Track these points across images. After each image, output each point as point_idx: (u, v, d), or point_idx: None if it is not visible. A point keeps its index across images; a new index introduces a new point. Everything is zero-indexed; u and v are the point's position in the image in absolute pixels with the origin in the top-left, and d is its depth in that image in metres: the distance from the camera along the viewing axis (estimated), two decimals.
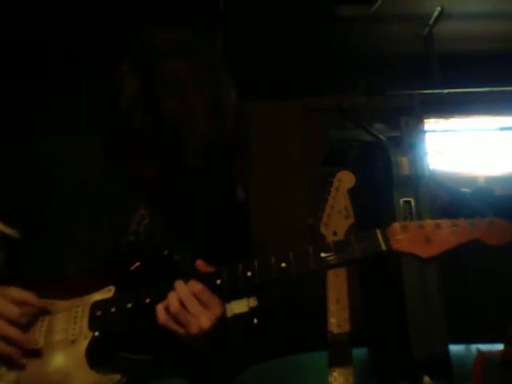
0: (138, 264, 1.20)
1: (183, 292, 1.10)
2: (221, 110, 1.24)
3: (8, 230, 1.27)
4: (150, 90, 1.21)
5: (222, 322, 1.13)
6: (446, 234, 1.08)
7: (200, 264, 1.17)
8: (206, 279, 1.14)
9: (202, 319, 1.09)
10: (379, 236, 1.10)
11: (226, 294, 1.14)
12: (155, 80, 1.21)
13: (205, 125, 1.21)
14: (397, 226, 1.10)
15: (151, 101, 1.20)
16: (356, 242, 1.11)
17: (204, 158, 1.24)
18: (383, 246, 1.09)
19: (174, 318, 1.10)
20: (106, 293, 1.19)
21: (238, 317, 1.20)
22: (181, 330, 1.10)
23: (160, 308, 1.11)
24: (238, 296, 1.20)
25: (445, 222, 1.09)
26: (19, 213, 1.29)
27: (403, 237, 1.09)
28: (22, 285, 1.22)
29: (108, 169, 1.31)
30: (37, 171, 1.31)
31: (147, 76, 1.22)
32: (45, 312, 1.18)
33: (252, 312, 1.22)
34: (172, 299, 1.10)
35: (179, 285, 1.12)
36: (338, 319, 1.49)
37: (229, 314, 1.17)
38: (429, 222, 1.10)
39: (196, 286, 1.11)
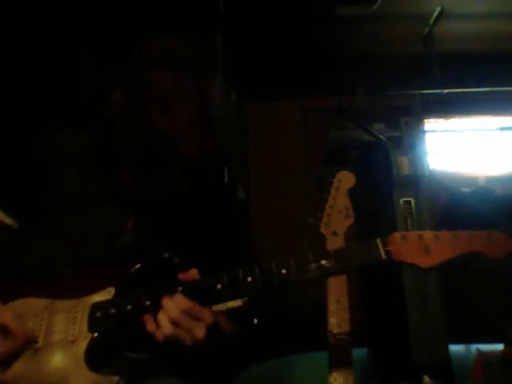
0: (138, 266, 1.20)
1: (174, 312, 1.11)
2: (210, 124, 1.23)
3: (7, 220, 1.28)
4: (134, 101, 1.19)
5: (215, 328, 1.14)
6: (445, 246, 1.09)
7: (181, 277, 1.17)
8: (206, 284, 1.15)
9: (196, 332, 1.11)
10: (379, 245, 1.11)
11: (226, 299, 1.15)
12: (140, 91, 1.20)
13: (192, 139, 1.20)
14: (397, 235, 1.11)
15: (136, 113, 1.19)
16: (356, 251, 1.12)
17: (192, 170, 1.23)
18: (383, 256, 1.10)
19: (170, 336, 1.11)
20: (107, 294, 1.19)
21: (232, 310, 1.20)
22: (175, 343, 1.12)
23: (153, 328, 1.12)
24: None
25: (444, 234, 1.10)
26: (18, 204, 1.29)
27: (403, 247, 1.10)
28: (23, 281, 1.22)
29: (97, 166, 1.30)
30: (35, 165, 1.30)
31: (132, 86, 1.20)
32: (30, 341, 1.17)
33: (246, 306, 1.22)
34: (164, 321, 1.11)
35: (168, 305, 1.12)
36: (338, 319, 1.49)
37: (223, 308, 1.18)
38: (428, 233, 1.11)
39: (185, 304, 1.12)
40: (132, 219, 1.29)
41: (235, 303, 1.20)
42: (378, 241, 1.11)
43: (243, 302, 1.21)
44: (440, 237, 1.10)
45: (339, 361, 1.48)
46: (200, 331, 1.11)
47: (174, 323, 1.11)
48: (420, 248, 1.09)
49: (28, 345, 1.16)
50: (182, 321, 1.11)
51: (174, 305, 1.11)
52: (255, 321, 1.32)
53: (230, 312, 1.20)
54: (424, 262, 1.09)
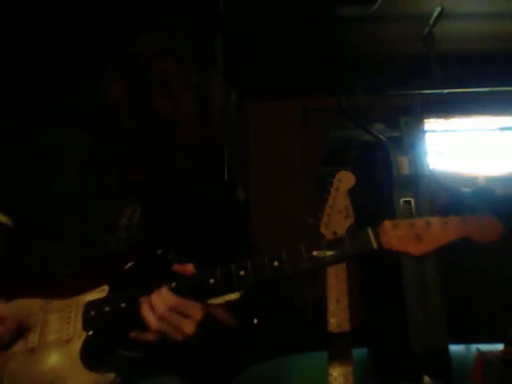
0: (131, 263, 1.20)
1: (160, 309, 1.11)
2: (210, 112, 1.23)
3: (1, 218, 1.28)
4: (136, 89, 1.20)
5: (206, 323, 1.13)
6: (436, 232, 1.09)
7: (177, 267, 1.17)
8: (199, 279, 1.15)
9: (185, 328, 1.11)
10: (371, 234, 1.11)
11: (219, 294, 1.15)
12: (142, 80, 1.20)
13: (193, 126, 1.21)
14: (388, 224, 1.10)
15: (138, 101, 1.19)
16: (348, 240, 1.12)
17: (192, 160, 1.24)
18: (374, 245, 1.10)
19: (157, 332, 1.12)
20: (100, 292, 1.19)
21: (231, 303, 1.20)
22: (165, 339, 1.12)
23: (149, 320, 1.12)
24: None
25: (435, 220, 1.10)
26: (18, 204, 1.29)
27: (394, 235, 1.10)
28: (18, 282, 1.22)
29: (96, 165, 1.30)
30: (35, 165, 1.30)
31: (134, 76, 1.21)
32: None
33: (244, 298, 1.22)
34: (150, 318, 1.11)
35: (155, 301, 1.12)
36: (338, 319, 1.49)
37: (221, 301, 1.18)
38: (419, 220, 1.10)
39: (172, 300, 1.11)
40: (126, 216, 1.29)
41: (233, 296, 1.20)
42: (369, 230, 1.11)
43: (241, 294, 1.21)
44: (431, 223, 1.09)
45: (339, 361, 1.49)
46: (188, 327, 1.10)
47: (161, 319, 1.10)
48: (411, 236, 1.09)
49: (23, 343, 1.16)
50: (169, 317, 1.10)
51: (161, 300, 1.11)
52: (255, 321, 1.32)
53: (229, 305, 1.20)
54: (416, 250, 1.09)
